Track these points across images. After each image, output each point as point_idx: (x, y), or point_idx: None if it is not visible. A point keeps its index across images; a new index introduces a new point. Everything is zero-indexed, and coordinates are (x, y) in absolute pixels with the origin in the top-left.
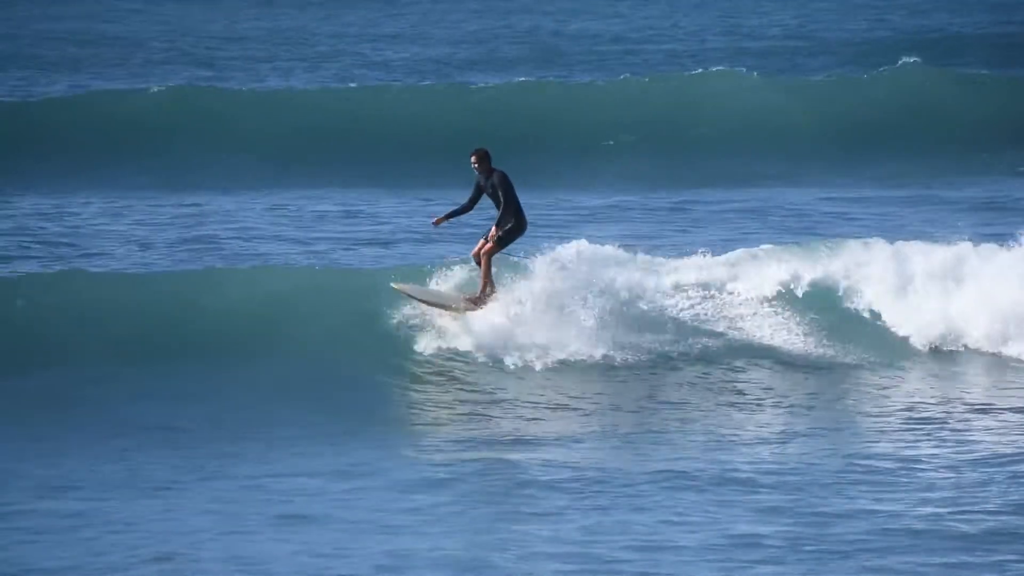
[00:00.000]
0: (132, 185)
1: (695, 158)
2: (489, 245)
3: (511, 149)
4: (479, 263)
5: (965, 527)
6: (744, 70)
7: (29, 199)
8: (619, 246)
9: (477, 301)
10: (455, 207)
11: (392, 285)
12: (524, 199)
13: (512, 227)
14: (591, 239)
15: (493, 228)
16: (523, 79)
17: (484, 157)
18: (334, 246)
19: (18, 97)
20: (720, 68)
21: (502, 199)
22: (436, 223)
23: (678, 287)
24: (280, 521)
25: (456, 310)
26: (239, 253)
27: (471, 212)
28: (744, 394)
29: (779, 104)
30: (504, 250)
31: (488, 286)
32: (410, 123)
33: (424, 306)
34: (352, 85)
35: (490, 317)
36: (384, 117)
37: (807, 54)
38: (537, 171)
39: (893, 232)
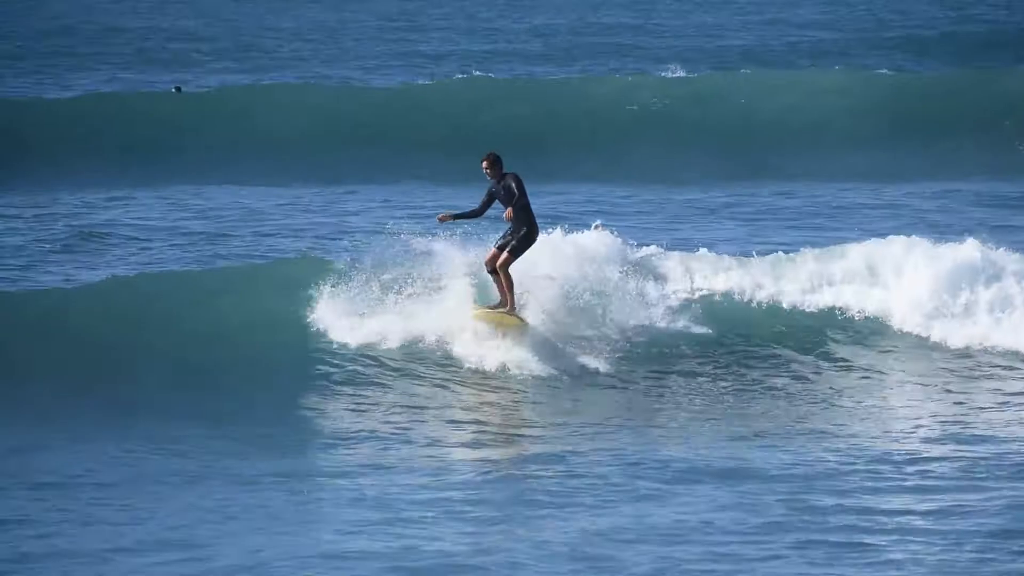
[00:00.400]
0: (147, 183)
1: (741, 155)
2: (505, 256)
3: (555, 143)
4: (491, 272)
5: (974, 525)
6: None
7: (50, 197)
8: (631, 240)
9: (510, 310)
10: (466, 209)
11: (473, 314)
12: (564, 193)
13: (525, 234)
14: (612, 231)
15: (507, 214)
16: (587, 72)
17: (496, 161)
18: (349, 240)
19: (36, 95)
20: (783, 69)
21: (517, 195)
22: (441, 219)
23: (693, 286)
24: (285, 520)
25: (517, 324)
26: (259, 249)
27: (481, 218)
28: (756, 391)
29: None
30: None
31: (511, 296)
32: (433, 118)
33: (505, 321)
34: (377, 80)
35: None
36: (406, 112)
37: (837, 48)
38: (576, 166)
39: (917, 228)
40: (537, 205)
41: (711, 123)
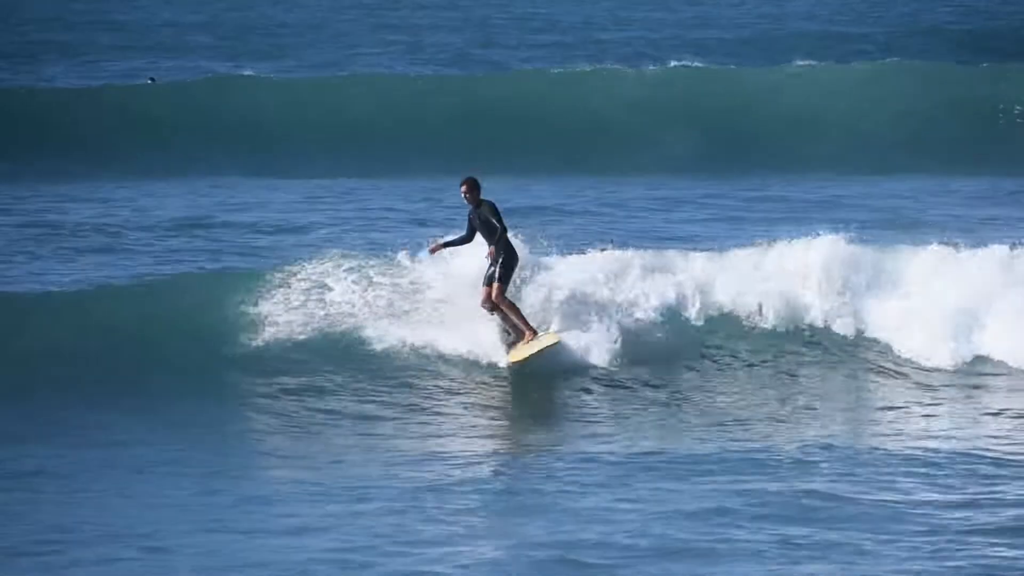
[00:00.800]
0: (144, 177)
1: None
2: (496, 288)
3: (544, 137)
4: (491, 311)
5: (937, 519)
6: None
7: (49, 192)
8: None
9: (532, 336)
10: (453, 238)
11: (511, 362)
12: (581, 187)
13: (505, 260)
14: (609, 235)
15: (489, 252)
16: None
17: (474, 186)
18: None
19: (34, 85)
20: (802, 63)
21: (496, 225)
22: (433, 250)
23: (695, 283)
24: (280, 529)
25: (550, 343)
26: (257, 249)
27: (471, 244)
28: (752, 388)
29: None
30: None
31: (522, 321)
32: (433, 114)
33: (537, 347)
34: (373, 73)
35: (479, 321)
36: (401, 107)
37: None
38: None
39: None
40: (533, 201)
41: (708, 117)
